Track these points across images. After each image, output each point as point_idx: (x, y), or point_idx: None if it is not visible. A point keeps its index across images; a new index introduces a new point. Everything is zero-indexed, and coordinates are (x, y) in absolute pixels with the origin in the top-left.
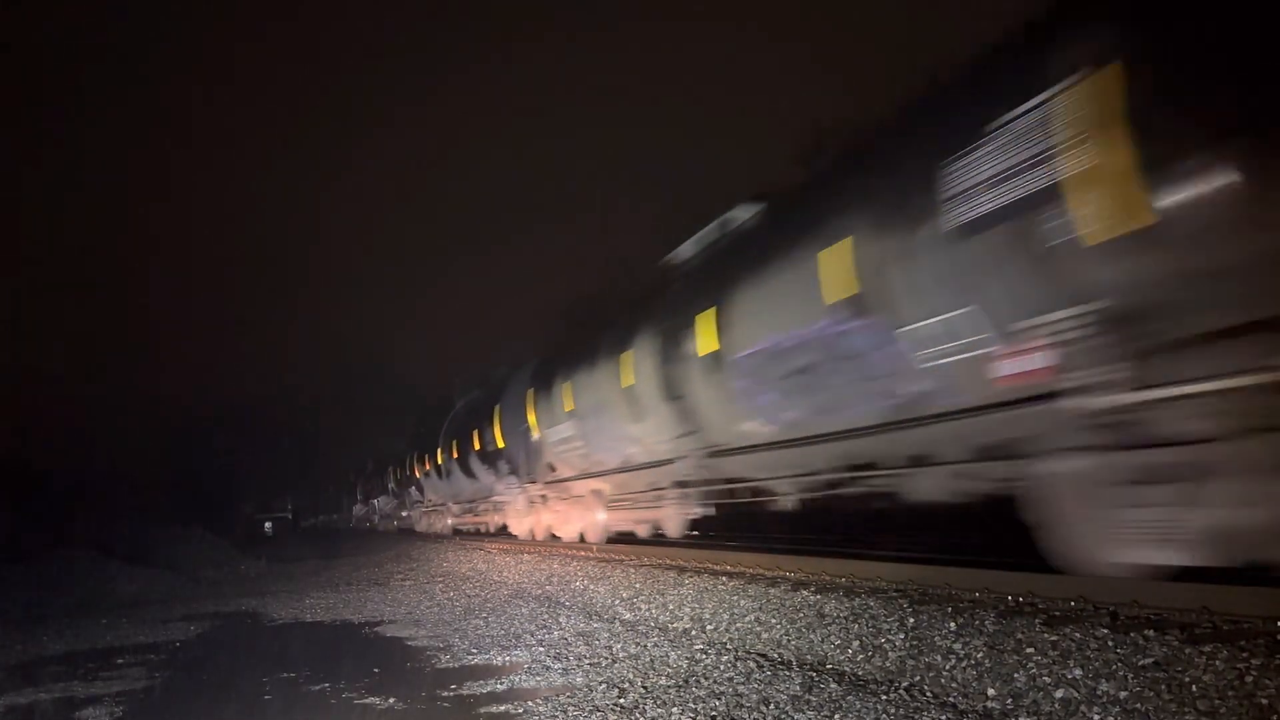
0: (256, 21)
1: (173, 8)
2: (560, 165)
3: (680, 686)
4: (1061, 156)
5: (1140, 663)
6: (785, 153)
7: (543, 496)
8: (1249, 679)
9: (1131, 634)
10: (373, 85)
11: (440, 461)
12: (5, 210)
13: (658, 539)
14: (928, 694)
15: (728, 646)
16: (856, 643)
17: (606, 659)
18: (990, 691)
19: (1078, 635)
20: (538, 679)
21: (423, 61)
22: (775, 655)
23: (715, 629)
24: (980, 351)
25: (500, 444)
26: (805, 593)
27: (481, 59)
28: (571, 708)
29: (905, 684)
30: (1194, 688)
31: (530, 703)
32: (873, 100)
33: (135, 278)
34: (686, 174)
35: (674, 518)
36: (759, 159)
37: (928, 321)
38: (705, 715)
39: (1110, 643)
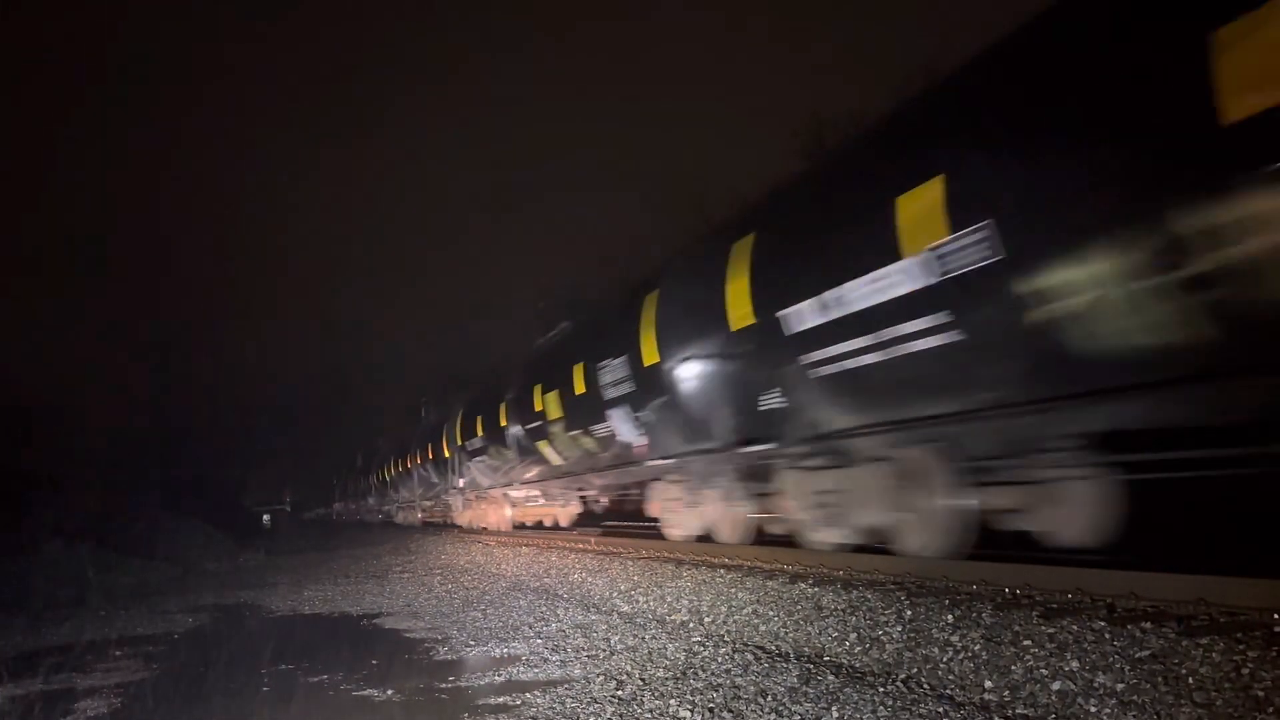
0: (252, 15)
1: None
2: (556, 159)
3: (678, 678)
4: None
5: (1137, 655)
6: (786, 146)
7: (473, 498)
8: (1245, 671)
9: (1128, 626)
10: (364, 82)
11: (409, 466)
12: (4, 205)
13: (655, 535)
14: (925, 686)
15: (725, 638)
16: (854, 635)
17: (604, 651)
18: (988, 684)
19: (1075, 627)
20: (536, 671)
21: (418, 53)
22: (773, 647)
23: (713, 621)
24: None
25: (446, 455)
26: (803, 585)
27: (479, 51)
28: (569, 699)
29: (903, 676)
30: (1191, 680)
31: (528, 695)
32: (874, 93)
33: (135, 271)
34: (684, 168)
35: (564, 513)
36: (757, 153)
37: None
38: (703, 707)
39: (1107, 635)
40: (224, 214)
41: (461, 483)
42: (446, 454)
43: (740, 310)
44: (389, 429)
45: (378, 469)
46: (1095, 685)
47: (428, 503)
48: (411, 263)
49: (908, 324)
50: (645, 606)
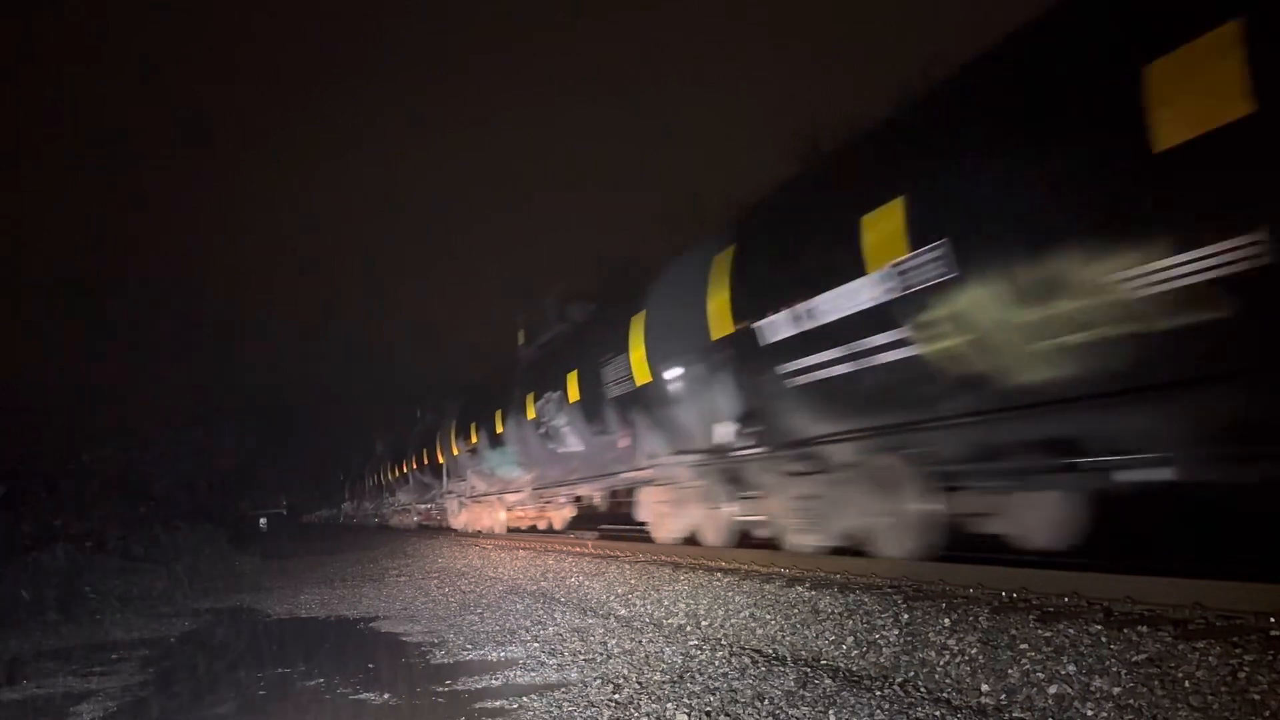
0: (251, 12)
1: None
2: (554, 159)
3: (675, 682)
4: None
5: (1133, 659)
6: (783, 146)
7: (467, 500)
8: (1241, 675)
9: (1125, 630)
10: (367, 80)
11: (405, 471)
12: (5, 207)
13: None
14: (922, 690)
15: (722, 642)
16: (851, 638)
17: (601, 655)
18: (984, 687)
19: (1071, 631)
20: (532, 675)
21: (420, 52)
22: (770, 651)
23: (710, 625)
24: None
25: (440, 460)
26: (800, 589)
27: (479, 49)
28: (566, 703)
29: (899, 680)
30: (1187, 683)
31: (525, 698)
32: (871, 95)
33: (132, 275)
34: (683, 167)
35: (557, 517)
36: (754, 154)
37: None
38: (700, 710)
39: (1103, 639)
40: (222, 215)
41: (458, 485)
42: (440, 459)
43: None
44: (385, 434)
45: (374, 473)
46: (1092, 689)
47: (421, 505)
48: (415, 261)
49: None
50: (642, 610)
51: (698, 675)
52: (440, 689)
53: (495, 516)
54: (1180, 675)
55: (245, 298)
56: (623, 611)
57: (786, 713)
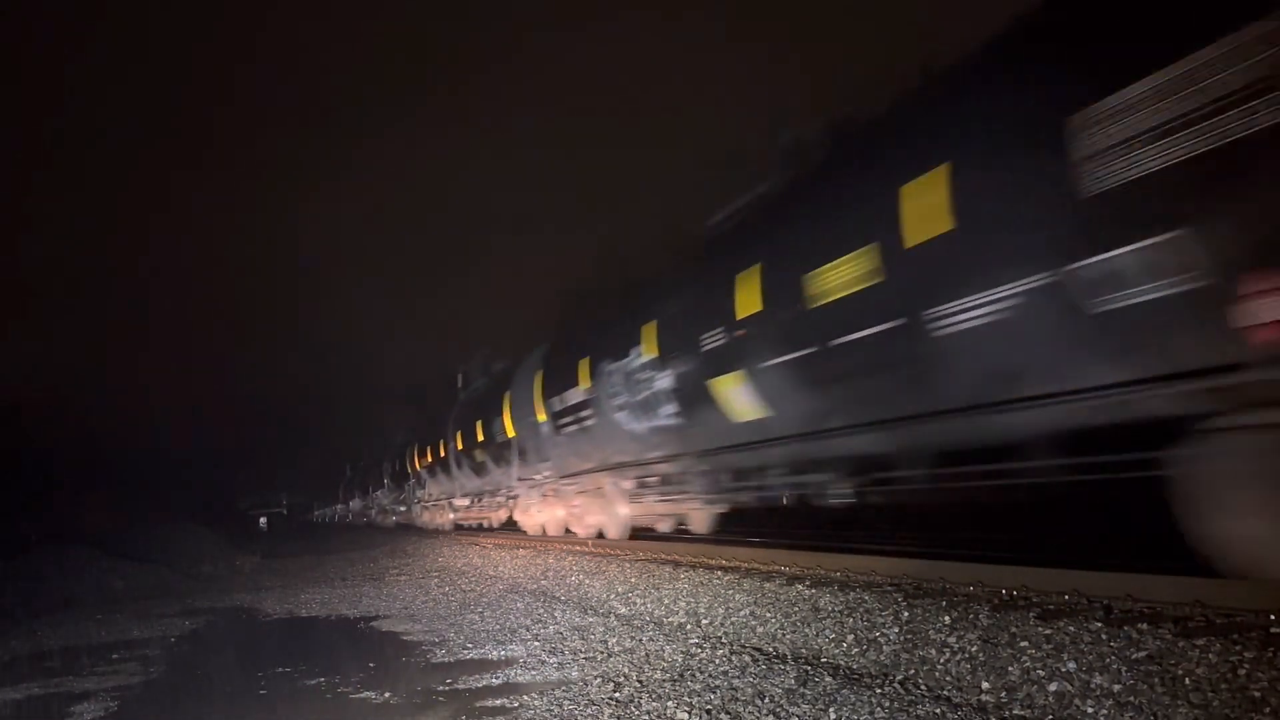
0: (250, 33)
1: (164, 25)
2: (554, 166)
3: (675, 680)
4: None
5: (1134, 656)
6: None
7: (555, 490)
8: (1242, 672)
9: (1125, 627)
10: (368, 93)
11: (443, 454)
12: (12, 214)
13: (646, 535)
14: (922, 687)
15: (723, 640)
16: (851, 636)
17: (602, 653)
18: (985, 685)
19: (1071, 629)
20: (533, 673)
21: (424, 66)
22: (770, 649)
23: (710, 623)
24: None
25: (509, 431)
26: (800, 587)
27: (478, 63)
28: (567, 701)
29: (900, 677)
30: (1187, 680)
31: (526, 697)
32: (858, 96)
33: (132, 276)
34: (678, 170)
35: (701, 511)
36: (748, 156)
37: None
38: (700, 709)
39: (1104, 636)
40: (220, 223)
41: (543, 465)
42: (510, 432)
43: None
44: (407, 418)
45: (391, 464)
46: (1092, 686)
47: (464, 500)
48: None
49: None
50: (643, 608)
51: (698, 673)
52: (441, 688)
53: (612, 511)
54: (1180, 672)
55: (247, 297)
56: (623, 610)
57: (787, 711)
